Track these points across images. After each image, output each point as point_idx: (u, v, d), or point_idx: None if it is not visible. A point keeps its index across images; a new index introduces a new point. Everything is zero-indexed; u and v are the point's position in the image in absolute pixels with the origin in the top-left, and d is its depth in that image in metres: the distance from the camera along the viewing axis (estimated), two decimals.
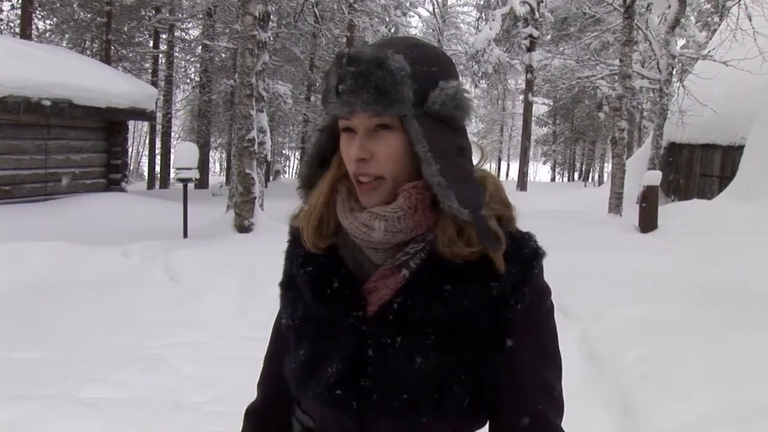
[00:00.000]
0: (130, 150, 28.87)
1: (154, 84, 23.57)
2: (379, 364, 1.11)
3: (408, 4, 28.73)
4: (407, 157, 1.10)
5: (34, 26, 21.54)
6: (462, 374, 1.11)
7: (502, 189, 1.18)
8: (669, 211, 12.74)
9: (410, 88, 1.08)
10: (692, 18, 26.97)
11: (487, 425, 1.20)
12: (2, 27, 24.42)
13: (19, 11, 21.77)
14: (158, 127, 27.66)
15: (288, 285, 1.27)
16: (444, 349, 1.11)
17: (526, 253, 1.15)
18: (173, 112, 29.17)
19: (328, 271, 1.17)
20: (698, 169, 17.61)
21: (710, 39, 21.65)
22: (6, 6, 24.06)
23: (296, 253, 1.24)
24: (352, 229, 1.14)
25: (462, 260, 1.10)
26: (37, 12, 22.79)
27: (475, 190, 1.12)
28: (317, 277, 1.18)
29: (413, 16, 33.67)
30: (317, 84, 28.15)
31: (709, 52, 16.33)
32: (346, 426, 1.15)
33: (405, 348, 1.11)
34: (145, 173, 35.84)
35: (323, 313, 1.17)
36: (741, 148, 14.73)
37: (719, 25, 20.03)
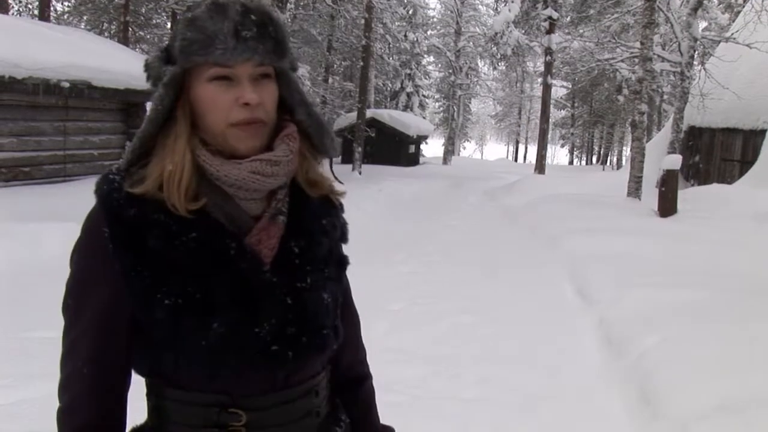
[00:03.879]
0: None
1: None
2: (299, 309, 1.16)
3: None
4: (276, 105, 1.18)
5: (52, 8, 21.62)
6: (340, 298, 1.29)
7: None
8: (688, 195, 12.62)
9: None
10: (715, 0, 26.58)
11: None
12: (21, 9, 24.55)
13: None
14: None
15: (135, 264, 1.09)
16: (332, 279, 1.25)
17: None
18: None
19: (215, 233, 1.11)
20: (719, 154, 17.36)
21: (733, 21, 21.31)
22: None
23: (153, 222, 1.09)
24: (239, 180, 1.11)
25: (319, 195, 1.25)
26: None
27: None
28: (209, 241, 1.10)
29: None
30: (335, 65, 28.09)
31: (732, 34, 16.04)
32: (275, 380, 1.15)
33: (314, 287, 1.19)
34: None
35: (230, 278, 1.10)
36: (763, 132, 14.49)
37: (743, 6, 19.73)
